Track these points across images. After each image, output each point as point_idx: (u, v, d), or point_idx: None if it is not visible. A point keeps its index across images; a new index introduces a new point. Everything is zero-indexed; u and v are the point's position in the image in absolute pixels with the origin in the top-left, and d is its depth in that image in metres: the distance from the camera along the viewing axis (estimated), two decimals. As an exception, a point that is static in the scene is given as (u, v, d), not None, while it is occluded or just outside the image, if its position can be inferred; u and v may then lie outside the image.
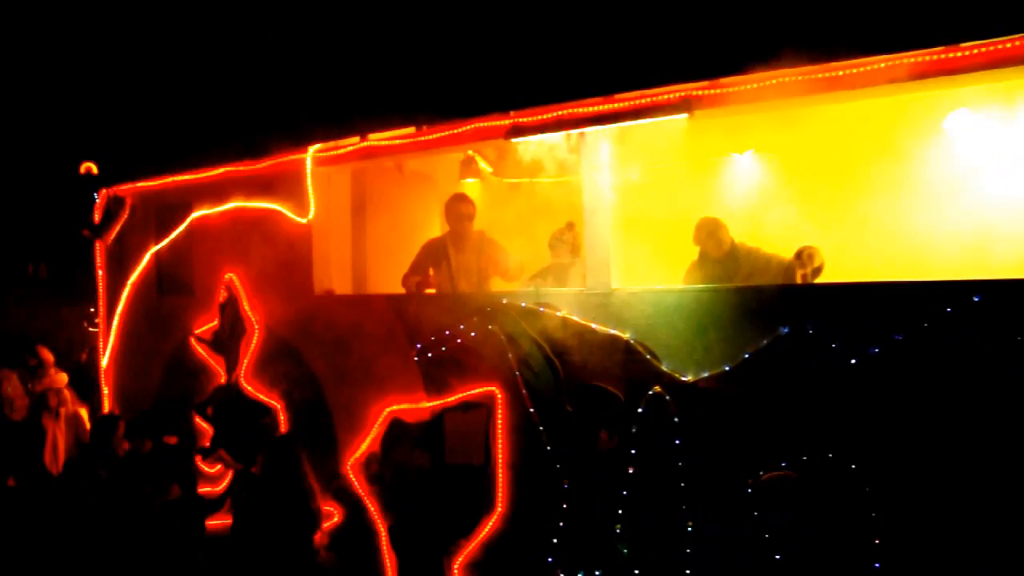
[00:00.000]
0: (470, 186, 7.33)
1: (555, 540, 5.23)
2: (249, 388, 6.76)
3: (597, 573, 5.08)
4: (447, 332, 5.68)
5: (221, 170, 6.96)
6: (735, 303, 4.72)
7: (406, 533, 5.89)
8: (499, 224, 7.36)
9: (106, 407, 7.84)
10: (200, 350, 7.10)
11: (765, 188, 6.09)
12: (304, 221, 6.44)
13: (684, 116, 4.80)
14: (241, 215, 6.90)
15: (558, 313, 5.24)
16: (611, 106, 5.01)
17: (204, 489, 6.96)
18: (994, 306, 3.97)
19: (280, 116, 6.32)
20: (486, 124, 5.57)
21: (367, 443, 6.07)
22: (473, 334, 5.56)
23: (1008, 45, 4.09)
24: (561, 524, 5.22)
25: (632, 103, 4.95)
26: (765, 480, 4.59)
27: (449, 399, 5.67)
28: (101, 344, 7.90)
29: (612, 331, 5.05)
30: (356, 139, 6.29)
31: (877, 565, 4.24)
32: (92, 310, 8.52)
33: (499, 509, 5.45)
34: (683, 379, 4.82)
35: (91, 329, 8.88)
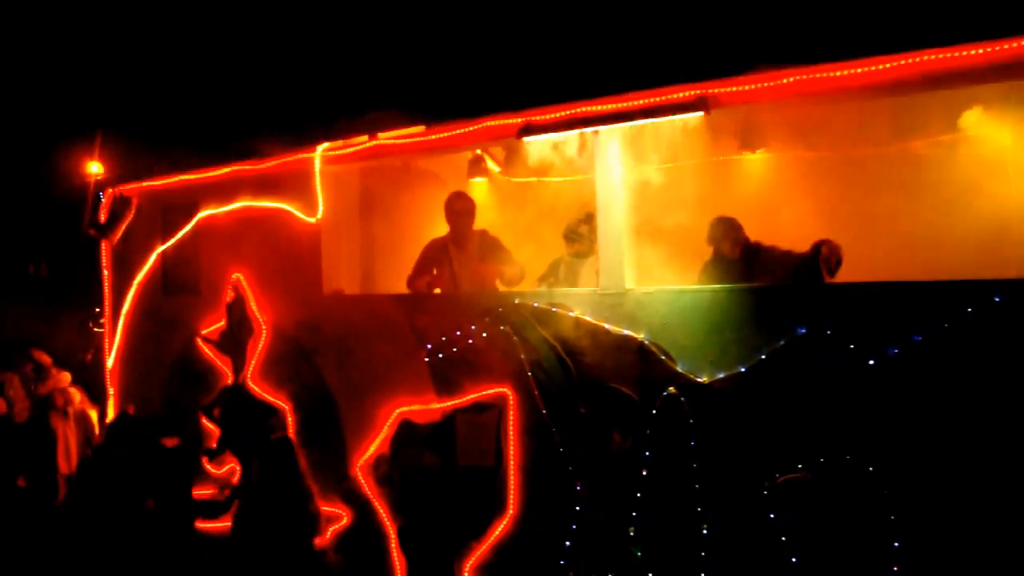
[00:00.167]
0: (478, 185, 7.30)
1: (567, 543, 5.18)
2: (256, 389, 6.71)
3: (610, 576, 5.04)
4: (458, 332, 5.63)
5: (228, 169, 6.91)
6: (751, 303, 4.68)
7: (416, 535, 5.85)
8: (508, 223, 7.34)
9: (111, 407, 7.79)
10: (207, 350, 7.05)
11: (778, 187, 6.04)
12: (313, 220, 6.39)
13: (700, 114, 4.76)
14: (248, 215, 6.85)
15: (571, 313, 5.19)
16: (625, 104, 4.96)
17: (208, 492, 6.91)
18: (1016, 306, 3.92)
19: (289, 115, 6.26)
20: (498, 123, 5.51)
21: (376, 444, 6.02)
22: (484, 334, 5.51)
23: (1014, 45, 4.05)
24: (573, 526, 5.17)
25: (647, 101, 4.90)
26: (781, 482, 4.54)
27: (460, 400, 5.62)
28: (107, 344, 7.85)
29: (626, 331, 5.00)
30: (365, 138, 6.24)
31: (896, 569, 4.20)
32: (97, 310, 8.46)
33: (510, 511, 5.40)
34: (698, 380, 4.78)
35: (96, 329, 8.83)
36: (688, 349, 4.83)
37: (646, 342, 4.93)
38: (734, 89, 4.70)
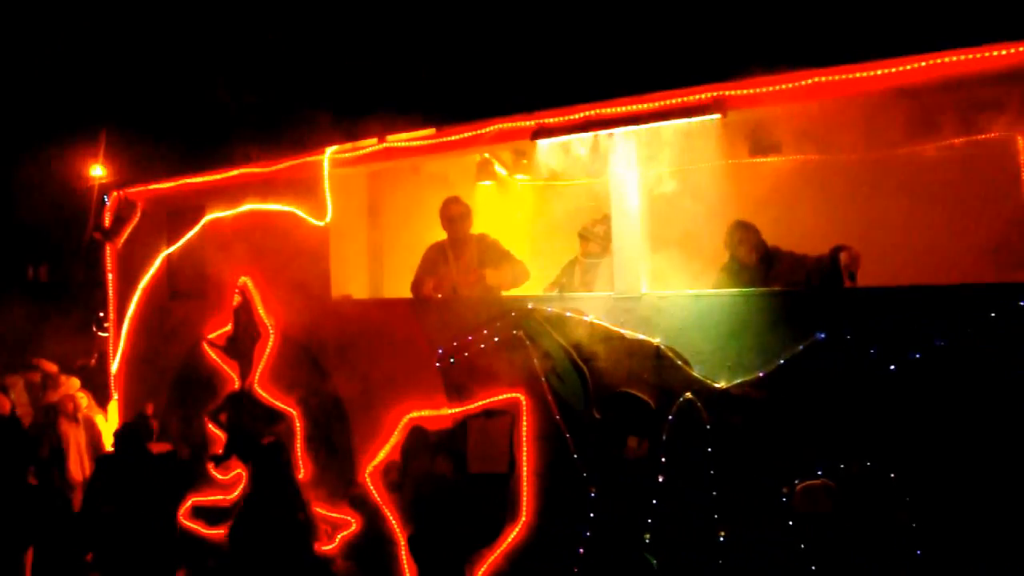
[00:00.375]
0: (486, 189, 7.24)
1: (581, 549, 5.12)
2: (264, 394, 6.64)
3: (625, 584, 4.97)
4: (470, 337, 5.57)
5: (235, 172, 6.84)
6: (769, 307, 4.63)
7: (426, 542, 5.78)
8: (517, 226, 7.29)
9: (116, 412, 7.71)
10: (213, 355, 6.98)
11: (791, 192, 5.98)
12: (321, 224, 6.33)
13: (716, 117, 4.71)
14: (255, 218, 6.78)
15: (586, 318, 5.13)
16: (641, 107, 4.91)
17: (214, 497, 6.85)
18: (1041, 310, 3.87)
19: (297, 117, 6.20)
20: (510, 125, 5.46)
21: (386, 450, 5.95)
22: (497, 339, 5.45)
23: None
24: (588, 533, 5.11)
25: (662, 103, 4.85)
26: (801, 489, 4.48)
27: (472, 406, 5.56)
28: (111, 349, 7.77)
29: (641, 336, 4.95)
30: (374, 141, 6.18)
31: (918, 577, 4.14)
32: (101, 314, 8.39)
33: (523, 518, 5.34)
34: (715, 385, 4.72)
35: (100, 333, 8.75)
36: (705, 354, 4.77)
37: (662, 347, 4.88)
38: (751, 91, 4.66)
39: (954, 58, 4.26)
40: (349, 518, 6.15)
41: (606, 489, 5.06)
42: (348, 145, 6.29)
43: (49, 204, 18.04)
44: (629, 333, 4.99)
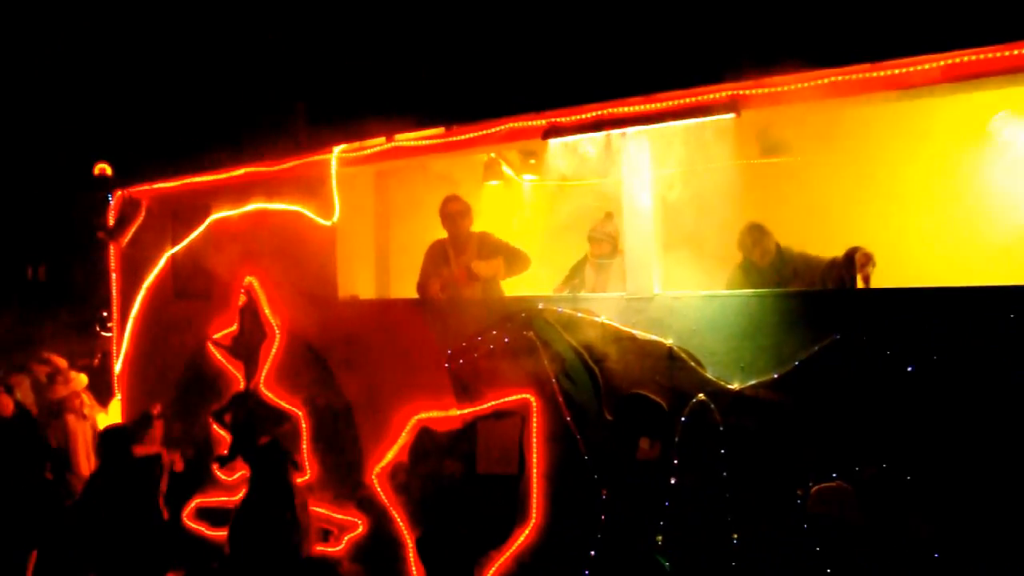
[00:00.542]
0: (492, 189, 7.21)
1: (592, 552, 5.08)
2: (269, 395, 6.59)
3: (637, 586, 4.93)
4: (479, 338, 5.53)
5: (241, 171, 6.79)
6: (784, 309, 4.59)
7: (435, 544, 5.73)
8: (524, 226, 7.26)
9: (119, 412, 7.66)
10: (218, 355, 6.93)
11: (801, 192, 5.96)
12: (328, 224, 6.28)
13: (731, 116, 4.67)
14: (261, 217, 6.74)
15: (597, 319, 5.09)
16: (654, 106, 4.87)
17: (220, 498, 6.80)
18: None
19: (304, 115, 6.15)
20: (521, 124, 5.42)
21: (394, 451, 5.91)
22: (507, 340, 5.41)
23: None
24: (599, 535, 5.06)
25: (676, 103, 4.81)
26: (816, 491, 4.44)
27: (481, 407, 5.52)
28: (115, 348, 7.72)
29: (654, 337, 4.91)
30: (382, 140, 6.14)
31: (935, 580, 4.11)
32: (104, 313, 8.34)
33: (533, 519, 5.30)
34: (729, 387, 4.68)
35: (104, 333, 8.70)
36: (718, 355, 4.74)
37: (675, 348, 4.84)
38: (765, 91, 4.62)
39: (969, 57, 4.23)
40: (356, 520, 6.10)
41: (617, 491, 5.02)
42: (355, 144, 6.25)
43: (48, 203, 17.98)
44: (641, 334, 4.95)
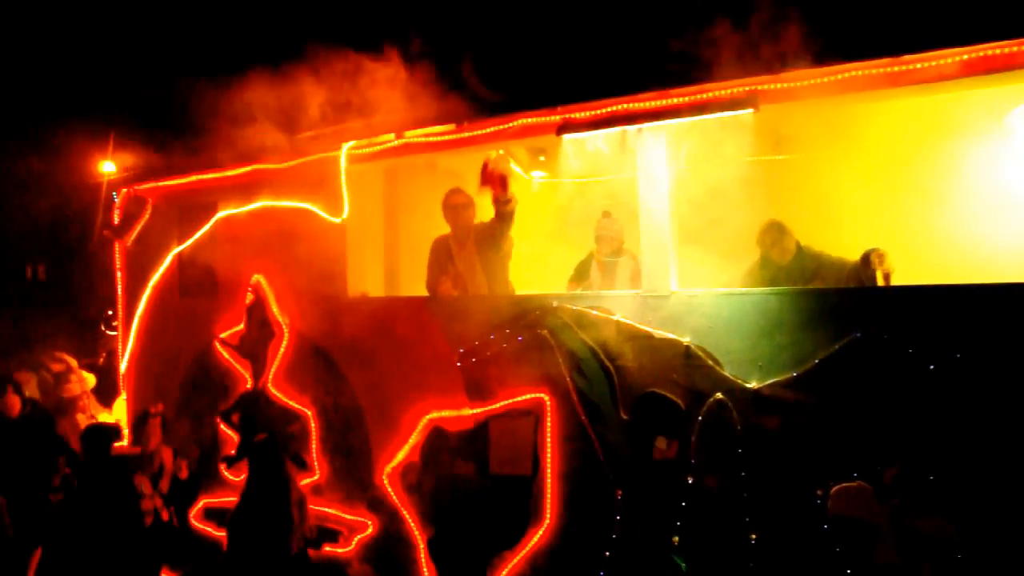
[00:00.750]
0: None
1: (607, 553, 5.02)
2: (278, 394, 6.52)
3: (653, 588, 4.87)
4: (492, 336, 5.47)
5: (248, 168, 6.72)
6: (803, 306, 4.54)
7: (446, 545, 5.69)
8: (531, 223, 7.20)
9: (124, 411, 7.60)
10: (225, 354, 6.86)
11: (818, 188, 5.91)
12: (338, 221, 6.22)
13: (749, 111, 4.61)
14: (269, 215, 6.67)
15: (612, 317, 5.03)
16: (671, 101, 4.80)
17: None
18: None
19: (312, 111, 6.07)
20: (535, 120, 5.35)
21: (404, 451, 5.85)
22: (520, 338, 5.35)
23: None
24: (614, 536, 5.01)
25: (694, 98, 4.75)
26: (836, 491, 4.39)
27: (494, 406, 5.46)
28: (120, 347, 7.65)
29: (670, 335, 4.85)
30: (391, 136, 6.07)
31: (958, 581, 4.06)
32: (110, 312, 8.27)
33: (547, 520, 5.24)
34: (747, 385, 4.63)
35: (109, 332, 8.63)
36: (736, 353, 4.68)
37: (692, 346, 4.78)
38: (784, 85, 4.56)
39: (989, 52, 4.18)
40: (366, 520, 6.04)
41: (633, 491, 4.96)
42: (365, 141, 6.18)
43: (47, 201, 17.87)
44: (657, 332, 4.89)
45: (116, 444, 6.50)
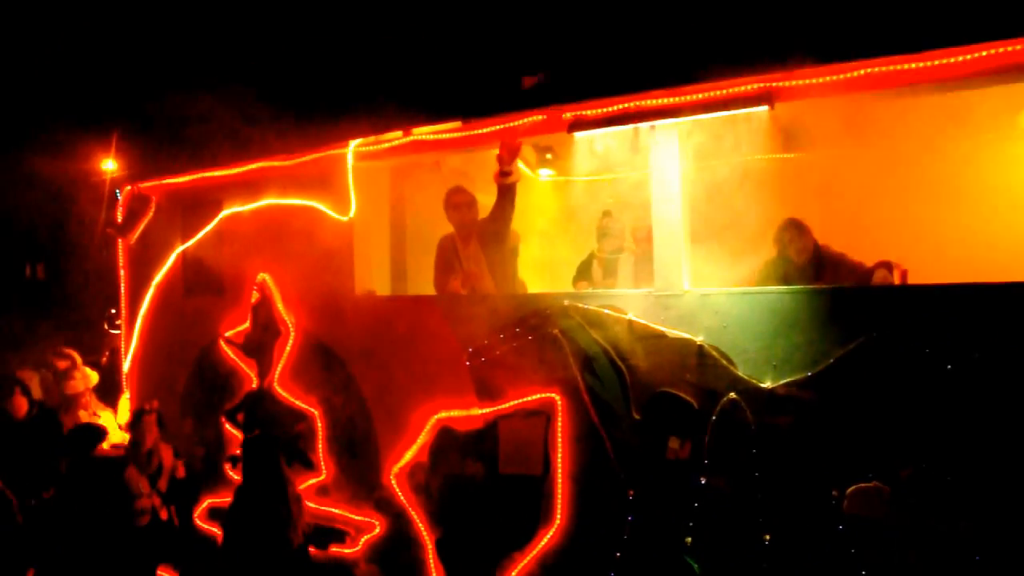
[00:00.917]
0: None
1: (619, 554, 4.98)
2: (284, 393, 6.47)
3: (665, 589, 4.83)
4: (502, 335, 5.42)
5: (254, 166, 6.67)
6: (818, 305, 4.49)
7: (455, 546, 5.65)
8: (536, 221, 7.16)
9: (127, 410, 7.54)
10: (230, 353, 6.81)
11: (826, 187, 5.88)
12: (345, 219, 6.17)
13: (764, 108, 4.57)
14: (275, 213, 6.62)
15: (625, 316, 4.99)
16: (685, 98, 4.76)
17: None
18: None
19: (319, 109, 6.03)
20: (545, 117, 5.30)
21: (412, 451, 5.80)
22: (531, 337, 5.30)
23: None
24: (625, 537, 4.97)
25: (708, 95, 4.70)
26: (851, 492, 4.35)
27: (504, 406, 5.41)
28: (123, 346, 7.60)
29: (683, 334, 4.80)
30: (399, 134, 6.02)
31: (976, 583, 4.02)
32: (113, 311, 8.22)
33: (558, 521, 5.19)
34: (761, 385, 4.58)
35: (112, 331, 8.57)
36: (750, 353, 4.63)
37: (705, 345, 4.74)
38: (800, 83, 4.51)
39: (1008, 49, 4.14)
40: (373, 521, 6.00)
41: (645, 491, 4.92)
42: (372, 138, 6.13)
43: (47, 200, 17.80)
44: (670, 331, 4.84)
45: (109, 444, 6.49)
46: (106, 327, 9.11)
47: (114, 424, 7.53)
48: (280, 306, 6.54)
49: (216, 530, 6.74)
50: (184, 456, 6.66)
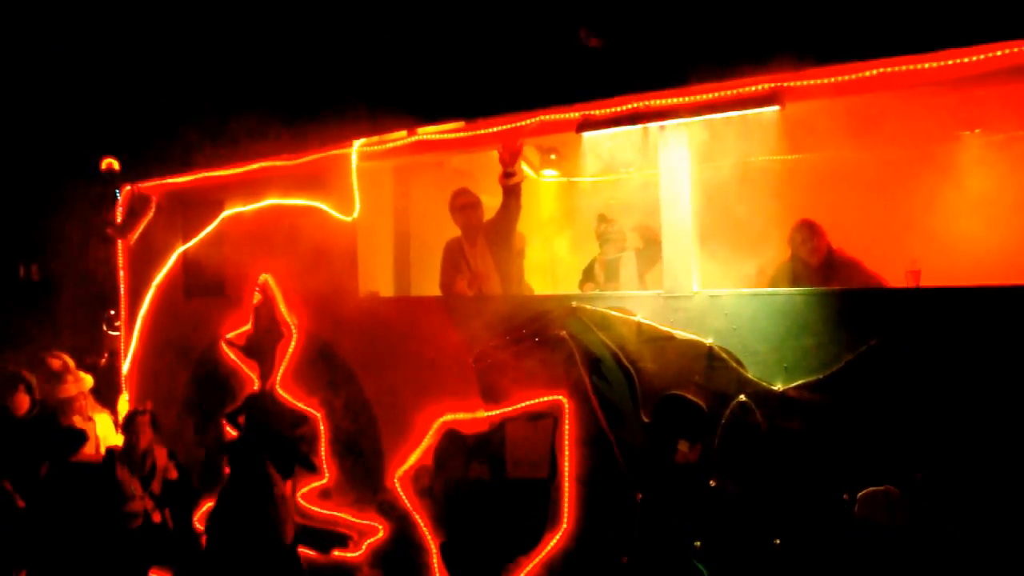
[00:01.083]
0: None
1: (626, 558, 4.94)
2: (286, 395, 6.41)
3: (674, 593, 4.79)
4: (508, 337, 5.37)
5: (256, 166, 6.60)
6: (830, 307, 4.46)
7: (460, 550, 5.59)
8: (541, 222, 7.13)
9: (126, 410, 7.46)
10: (231, 355, 6.74)
11: (831, 188, 5.85)
12: (348, 219, 6.11)
13: (775, 109, 4.54)
14: (277, 213, 6.56)
15: (633, 317, 4.94)
16: (694, 98, 4.72)
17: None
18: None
19: (323, 107, 5.97)
20: (553, 117, 5.25)
21: (417, 454, 5.75)
22: (538, 339, 5.25)
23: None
24: (633, 541, 4.92)
25: (718, 94, 4.66)
26: (863, 495, 4.31)
27: (510, 408, 5.36)
28: (122, 348, 7.52)
29: (693, 336, 4.76)
30: (403, 133, 5.97)
31: (989, 588, 3.99)
32: (112, 312, 8.14)
33: (565, 525, 5.15)
34: (771, 388, 4.55)
35: (111, 332, 8.49)
36: (760, 355, 4.60)
37: (715, 347, 4.70)
38: (811, 83, 4.48)
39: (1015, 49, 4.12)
40: (377, 524, 5.94)
41: (653, 495, 4.88)
42: (376, 138, 6.08)
43: (42, 199, 17.66)
44: (679, 333, 4.80)
45: (106, 447, 6.41)
46: (105, 328, 9.03)
47: (111, 427, 7.45)
48: (282, 307, 6.48)
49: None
50: (184, 459, 6.58)
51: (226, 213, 6.88)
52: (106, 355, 9.06)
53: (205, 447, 7.00)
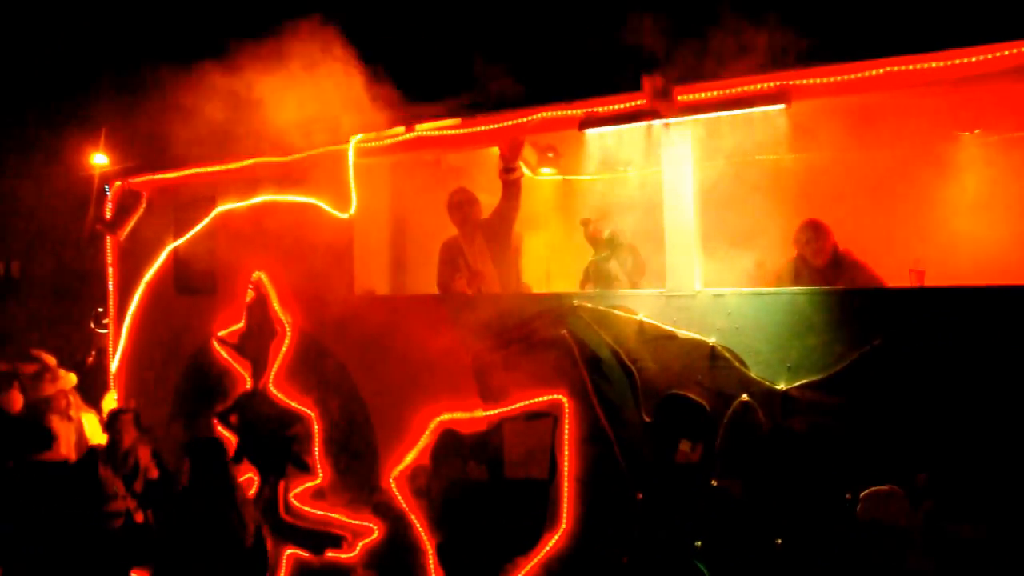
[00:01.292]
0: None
1: (626, 558, 4.90)
2: (279, 395, 6.32)
3: (674, 593, 4.76)
4: (507, 336, 5.32)
5: (250, 161, 6.51)
6: (833, 307, 4.45)
7: (457, 551, 5.54)
8: (537, 221, 7.08)
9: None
10: (224, 353, 6.64)
11: (832, 187, 5.84)
12: (345, 216, 6.04)
13: (781, 107, 4.52)
14: (271, 210, 6.47)
15: (635, 316, 4.91)
16: (699, 95, 4.69)
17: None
18: None
19: (318, 103, 5.89)
20: (555, 114, 5.21)
21: (413, 454, 5.68)
22: (538, 338, 5.21)
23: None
24: (633, 541, 4.88)
25: (723, 92, 4.64)
26: (866, 495, 4.30)
27: (509, 408, 5.31)
28: (111, 346, 7.40)
29: (695, 336, 4.73)
30: (401, 129, 5.91)
31: (993, 587, 3.98)
32: (100, 310, 8.01)
33: (564, 525, 5.10)
34: (774, 387, 4.52)
35: (99, 330, 8.36)
36: (763, 355, 4.58)
37: (717, 347, 4.67)
38: (817, 81, 4.47)
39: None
40: (371, 525, 5.86)
41: (654, 495, 4.84)
42: (373, 134, 6.01)
43: (24, 196, 17.42)
44: (682, 332, 4.77)
45: (91, 444, 6.32)
46: (92, 326, 8.88)
47: (98, 426, 7.34)
48: (276, 305, 6.39)
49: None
50: (172, 459, 6.48)
51: (219, 209, 6.78)
52: (93, 353, 8.91)
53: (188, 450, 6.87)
